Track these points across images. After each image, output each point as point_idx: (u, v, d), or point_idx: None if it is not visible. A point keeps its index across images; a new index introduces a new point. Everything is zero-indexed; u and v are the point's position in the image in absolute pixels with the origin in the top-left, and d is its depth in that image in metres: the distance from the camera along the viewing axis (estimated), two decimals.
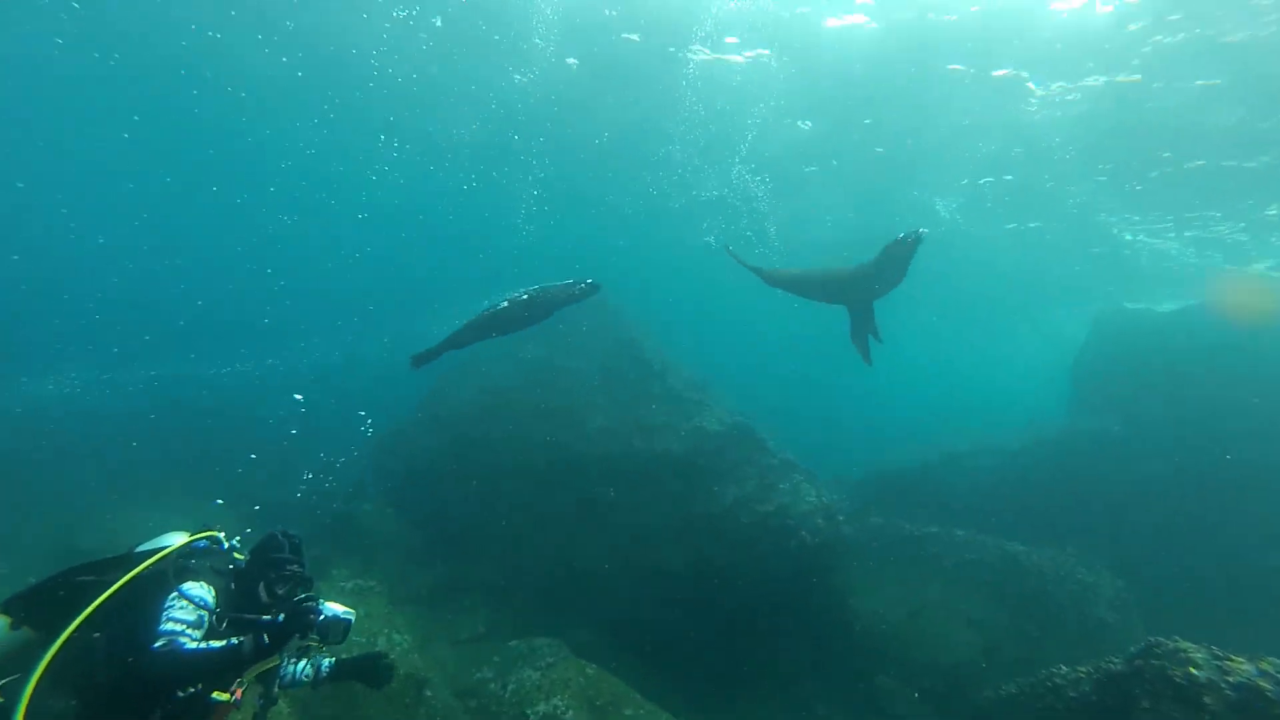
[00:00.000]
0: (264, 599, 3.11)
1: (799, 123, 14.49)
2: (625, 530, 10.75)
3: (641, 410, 11.99)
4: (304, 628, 2.88)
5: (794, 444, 12.60)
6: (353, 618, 3.04)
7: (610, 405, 12.10)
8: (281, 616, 2.92)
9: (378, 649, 3.15)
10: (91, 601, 2.74)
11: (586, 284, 8.20)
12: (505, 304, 8.23)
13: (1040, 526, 12.02)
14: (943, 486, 14.61)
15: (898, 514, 12.78)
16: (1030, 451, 14.72)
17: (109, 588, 2.79)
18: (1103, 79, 11.72)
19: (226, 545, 3.29)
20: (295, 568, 3.19)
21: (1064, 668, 5.67)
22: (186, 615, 2.82)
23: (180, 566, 2.96)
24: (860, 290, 8.10)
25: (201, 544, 3.17)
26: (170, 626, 2.75)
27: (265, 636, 2.83)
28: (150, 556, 2.97)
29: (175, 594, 2.84)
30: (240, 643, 2.81)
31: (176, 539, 3.16)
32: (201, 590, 2.92)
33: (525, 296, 8.20)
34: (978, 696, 6.98)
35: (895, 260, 7.59)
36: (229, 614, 2.98)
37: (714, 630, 9.87)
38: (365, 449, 14.23)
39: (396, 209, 23.03)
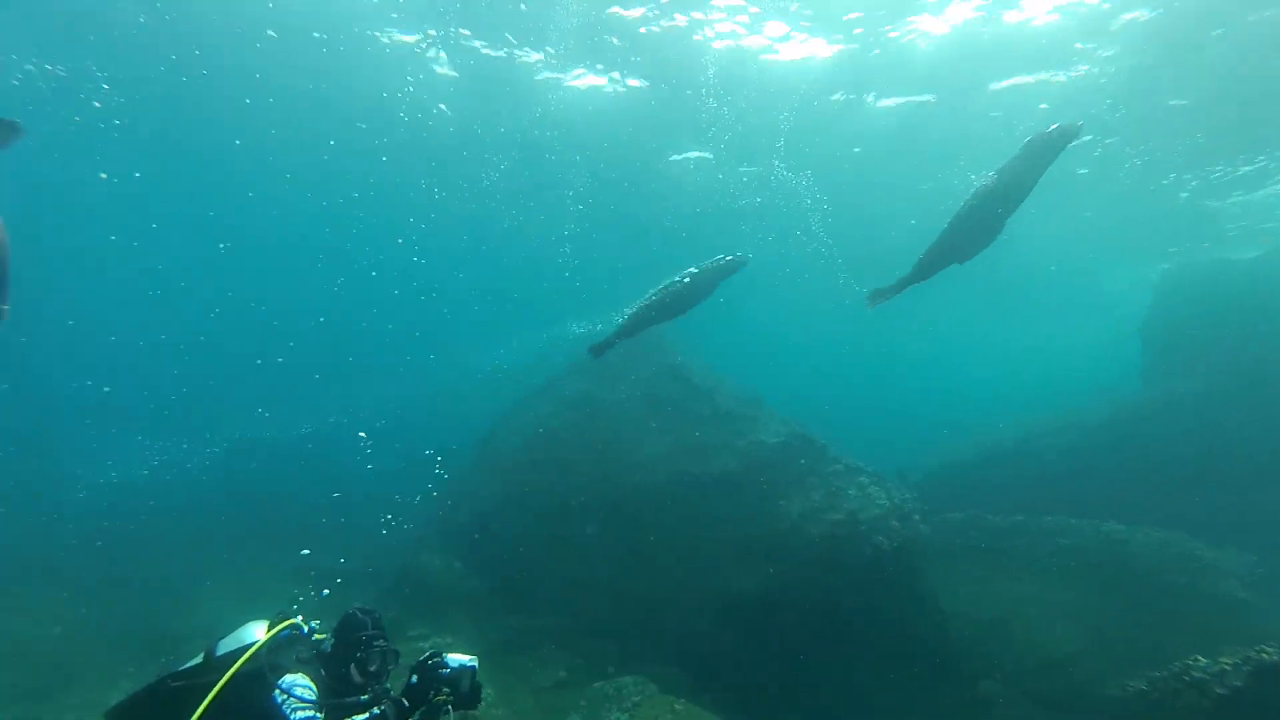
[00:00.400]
0: (357, 679, 3.11)
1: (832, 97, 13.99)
2: (692, 558, 10.49)
3: (693, 433, 11.80)
4: (437, 683, 2.96)
5: (855, 448, 12.19)
6: (476, 663, 3.09)
7: (661, 432, 11.95)
8: (414, 678, 3.01)
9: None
10: (191, 707, 2.74)
11: (736, 257, 8.66)
12: (668, 288, 8.75)
13: (1135, 504, 11.19)
14: (1018, 472, 13.89)
15: (976, 506, 12.16)
16: (1107, 426, 13.84)
17: (205, 691, 2.79)
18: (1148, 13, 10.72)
19: (306, 630, 3.27)
20: (382, 642, 3.18)
21: (1201, 659, 5.05)
22: (306, 707, 2.83)
23: (273, 663, 2.95)
24: (1006, 204, 6.95)
25: (285, 634, 3.16)
26: (302, 717, 2.79)
27: (405, 700, 2.95)
28: (235, 655, 2.98)
29: (279, 690, 2.83)
30: (383, 711, 2.91)
31: (256, 630, 3.14)
32: (305, 681, 2.93)
33: (687, 279, 8.69)
34: (1098, 696, 6.38)
35: (1037, 161, 6.53)
36: (328, 701, 2.98)
37: (798, 650, 9.46)
38: (426, 504, 14.40)
39: (445, 251, 23.50)
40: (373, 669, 3.13)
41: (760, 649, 9.56)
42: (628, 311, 9.20)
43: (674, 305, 8.84)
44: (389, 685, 3.23)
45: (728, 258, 8.73)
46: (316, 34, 12.24)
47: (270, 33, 12.33)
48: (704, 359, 14.08)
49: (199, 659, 3.13)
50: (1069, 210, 18.18)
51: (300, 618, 3.30)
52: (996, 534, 11.16)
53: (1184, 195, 17.25)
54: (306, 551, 12.41)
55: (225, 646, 3.10)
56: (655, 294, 8.99)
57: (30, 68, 13.19)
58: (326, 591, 3.43)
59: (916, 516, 10.60)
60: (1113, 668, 7.53)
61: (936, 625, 9.51)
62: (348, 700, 3.01)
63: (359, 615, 3.23)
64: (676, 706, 7.74)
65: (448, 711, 3.03)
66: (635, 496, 11.10)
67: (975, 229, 7.21)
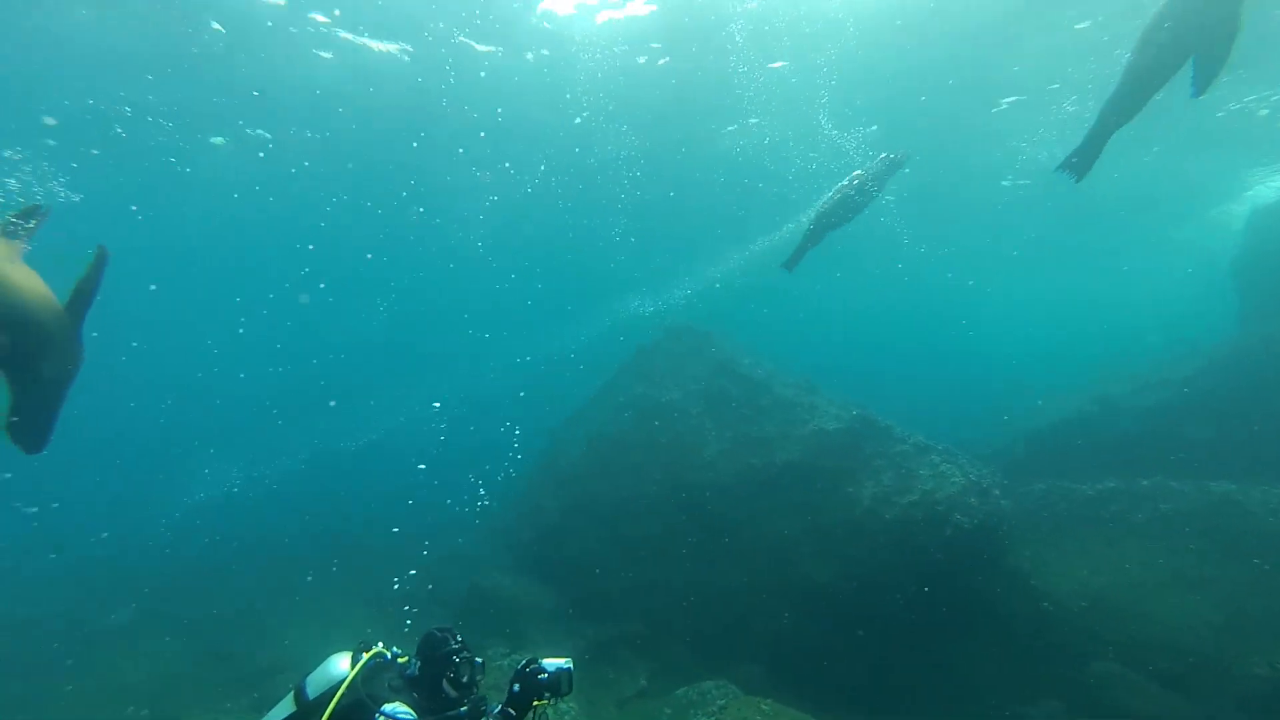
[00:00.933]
0: (452, 694, 3.17)
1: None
2: (763, 553, 10.24)
3: (753, 426, 11.54)
4: (539, 688, 3.05)
5: (920, 426, 11.66)
6: (571, 664, 3.17)
7: (720, 428, 11.73)
8: (516, 687, 3.08)
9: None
10: None
11: (899, 154, 8.94)
12: (839, 190, 9.13)
13: (1239, 462, 10.26)
14: (1100, 437, 12.99)
15: (1057, 476, 11.47)
16: (1204, 376, 12.70)
17: None
18: None
19: (390, 656, 3.32)
20: (466, 654, 3.25)
21: None
22: None
23: (369, 693, 3.01)
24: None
25: (371, 663, 3.20)
26: None
27: (511, 709, 3.03)
28: (329, 693, 3.04)
29: (382, 717, 2.89)
30: None
31: (341, 663, 3.18)
32: (404, 708, 2.97)
33: (855, 181, 9.02)
34: (1240, 676, 5.71)
35: None
36: None
37: (883, 640, 9.07)
38: (496, 519, 14.55)
39: (505, 241, 23.41)
40: (465, 681, 3.19)
41: (844, 641, 9.21)
42: (806, 222, 9.63)
43: (847, 207, 9.18)
44: (485, 695, 3.29)
45: (891, 155, 8.91)
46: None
47: (325, 54, 12.59)
48: (755, 350, 13.78)
49: (289, 700, 3.19)
50: (1135, 146, 16.85)
51: (381, 645, 3.34)
52: (1086, 503, 10.46)
53: (1264, 113, 15.71)
54: (396, 529, 12.63)
55: (315, 684, 3.15)
56: (828, 199, 9.30)
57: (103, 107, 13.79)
58: (396, 648, 3.43)
59: (996, 491, 10.07)
60: (1248, 643, 6.83)
61: (1032, 604, 8.95)
62: (449, 714, 3.08)
63: (438, 634, 3.28)
64: (763, 706, 7.49)
65: (545, 715, 3.15)
66: (700, 496, 10.91)
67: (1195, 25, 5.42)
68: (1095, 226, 23.97)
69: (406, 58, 12.96)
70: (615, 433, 12.73)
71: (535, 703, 3.06)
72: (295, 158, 16.56)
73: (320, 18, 11.77)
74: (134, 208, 18.57)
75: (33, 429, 4.88)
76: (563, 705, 7.83)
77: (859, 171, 9.08)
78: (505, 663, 8.29)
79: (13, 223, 5.39)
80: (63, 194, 15.30)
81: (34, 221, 5.50)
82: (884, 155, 8.98)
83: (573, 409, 14.93)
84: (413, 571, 12.79)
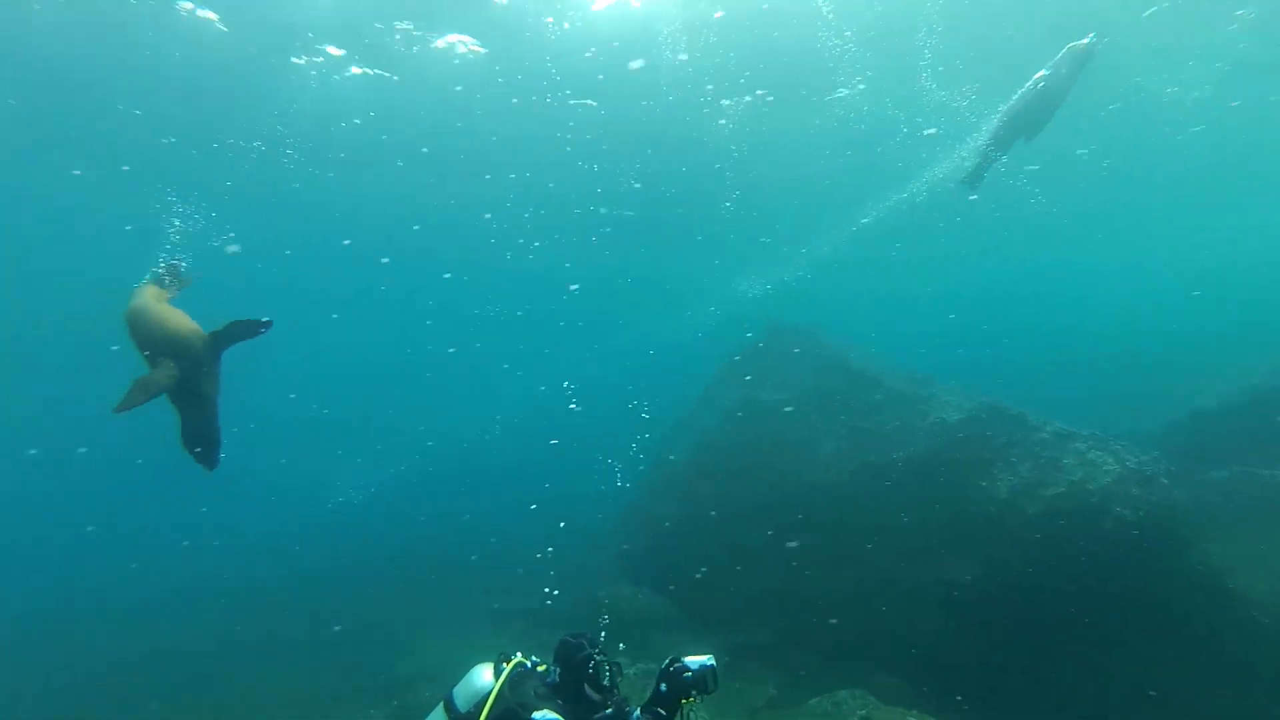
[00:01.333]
0: (595, 697, 3.19)
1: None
2: (891, 555, 9.59)
3: (867, 422, 10.97)
4: (685, 686, 3.03)
5: (1062, 414, 10.53)
6: (714, 660, 3.13)
7: (833, 426, 11.24)
8: (663, 686, 3.07)
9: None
10: None
11: (1087, 43, 8.06)
12: (1025, 94, 8.49)
13: None
14: None
15: (1240, 462, 9.97)
16: None
17: None
18: None
19: (529, 665, 3.38)
20: (603, 656, 3.27)
21: None
22: None
23: (518, 701, 3.09)
24: None
25: (514, 673, 3.27)
26: None
27: (660, 709, 3.03)
28: (480, 704, 3.14)
29: None
30: None
31: (484, 674, 3.29)
32: (554, 714, 3.03)
33: (1042, 84, 8.35)
34: None
35: None
36: None
37: (1043, 648, 8.15)
38: (610, 530, 14.63)
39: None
40: (606, 683, 3.20)
41: (994, 648, 8.37)
42: (988, 132, 9.00)
43: (1036, 111, 8.43)
44: (625, 697, 3.29)
45: (1079, 44, 8.01)
46: None
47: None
48: (863, 343, 13.17)
49: (439, 712, 3.34)
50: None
51: (520, 654, 3.42)
52: None
53: None
54: (534, 507, 12.70)
55: (463, 697, 3.27)
56: (1012, 105, 8.60)
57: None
58: (535, 657, 3.54)
59: (1164, 480, 8.89)
60: None
61: (1228, 606, 7.74)
62: (596, 718, 3.11)
63: (572, 640, 3.32)
64: (909, 718, 6.94)
65: (693, 712, 3.12)
66: (818, 497, 10.44)
67: None
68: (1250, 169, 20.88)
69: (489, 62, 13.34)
70: (723, 438, 12.50)
71: (683, 701, 3.04)
72: (410, 175, 17.57)
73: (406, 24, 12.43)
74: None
75: (209, 447, 5.47)
76: (692, 716, 7.64)
77: (1043, 71, 8.19)
78: (632, 671, 8.22)
79: (160, 271, 6.24)
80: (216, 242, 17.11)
81: (180, 272, 6.37)
82: (1070, 46, 7.98)
83: (681, 412, 14.82)
84: (545, 586, 13.04)
